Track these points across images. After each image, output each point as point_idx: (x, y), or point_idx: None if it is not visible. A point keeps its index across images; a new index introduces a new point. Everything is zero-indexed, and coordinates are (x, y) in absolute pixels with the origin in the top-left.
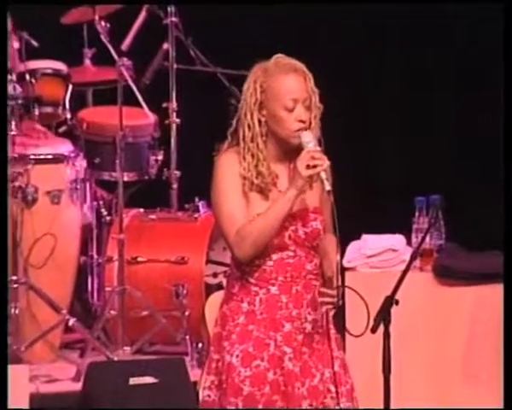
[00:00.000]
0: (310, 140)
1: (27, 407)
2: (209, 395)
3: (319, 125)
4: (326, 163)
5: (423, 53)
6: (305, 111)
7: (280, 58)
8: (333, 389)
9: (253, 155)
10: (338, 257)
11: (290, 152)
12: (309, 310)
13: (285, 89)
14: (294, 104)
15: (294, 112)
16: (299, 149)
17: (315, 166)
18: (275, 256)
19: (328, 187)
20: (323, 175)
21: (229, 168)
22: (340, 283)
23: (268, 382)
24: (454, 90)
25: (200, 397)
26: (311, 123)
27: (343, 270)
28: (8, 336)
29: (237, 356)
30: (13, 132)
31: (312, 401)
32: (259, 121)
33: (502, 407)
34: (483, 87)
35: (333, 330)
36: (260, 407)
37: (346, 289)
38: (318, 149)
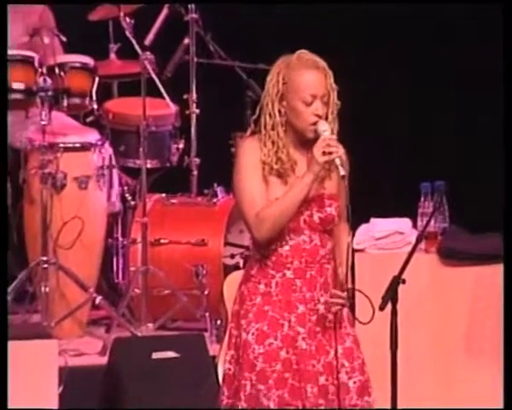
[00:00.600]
0: (326, 129)
1: (56, 379)
2: (229, 369)
3: (336, 120)
4: (341, 150)
5: (427, 46)
6: (322, 106)
7: (303, 53)
8: (346, 364)
9: (273, 142)
10: (349, 252)
11: (308, 141)
12: (321, 292)
13: (305, 84)
14: (313, 99)
15: (312, 106)
16: (316, 138)
17: (330, 153)
18: (291, 242)
19: (342, 172)
20: (338, 161)
21: (250, 154)
22: (349, 284)
23: (280, 360)
24: (455, 84)
25: (222, 370)
26: (327, 118)
27: (353, 252)
28: (7, 338)
29: (253, 334)
30: (43, 122)
31: (328, 376)
32: (280, 111)
33: (502, 405)
34: (484, 81)
35: (347, 309)
36: (271, 382)
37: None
38: (334, 137)
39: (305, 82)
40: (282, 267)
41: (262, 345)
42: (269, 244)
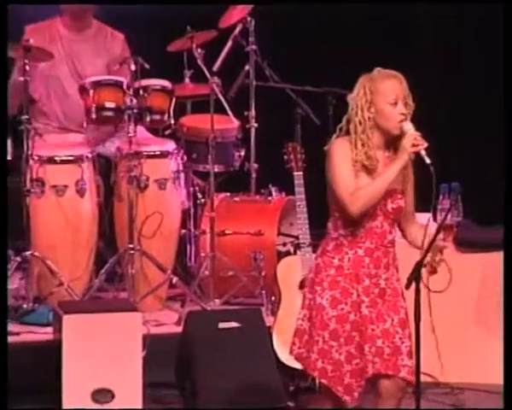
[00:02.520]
0: (411, 127)
1: (141, 345)
2: (301, 324)
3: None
4: (425, 144)
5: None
6: (404, 107)
7: (380, 69)
8: (400, 331)
9: (363, 144)
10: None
11: (388, 143)
12: (384, 271)
13: (389, 89)
14: (396, 101)
15: (397, 107)
16: (396, 140)
17: (417, 146)
18: (367, 225)
19: (428, 160)
20: (423, 152)
21: (342, 151)
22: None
23: (349, 321)
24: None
25: (295, 325)
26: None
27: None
28: (7, 339)
29: (327, 299)
30: (130, 134)
31: (385, 340)
32: (368, 117)
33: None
34: (488, 86)
35: (400, 286)
36: (342, 340)
37: None
38: (419, 133)
39: (389, 88)
40: (355, 246)
41: (335, 309)
42: (347, 224)
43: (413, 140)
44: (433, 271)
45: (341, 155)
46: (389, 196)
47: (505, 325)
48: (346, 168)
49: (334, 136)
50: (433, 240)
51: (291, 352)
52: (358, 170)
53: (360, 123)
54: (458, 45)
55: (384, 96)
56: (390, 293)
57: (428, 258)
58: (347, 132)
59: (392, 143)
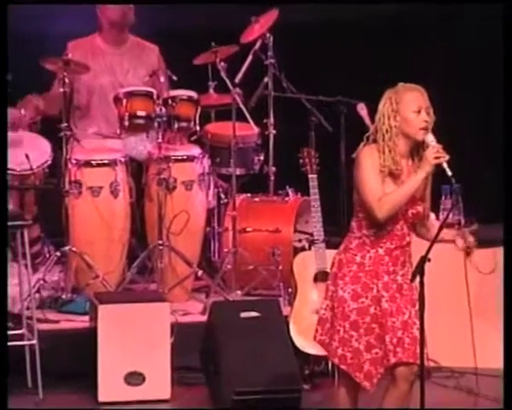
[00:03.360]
0: (433, 139)
1: (169, 332)
2: (324, 314)
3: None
4: (447, 157)
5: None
6: (426, 115)
7: (404, 84)
8: (417, 322)
9: (390, 150)
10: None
11: (412, 152)
12: (401, 267)
13: (413, 99)
14: (420, 109)
15: (420, 115)
16: (419, 148)
17: (439, 158)
18: (388, 228)
19: (449, 172)
20: (445, 164)
21: (369, 157)
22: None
23: (369, 314)
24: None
25: (318, 315)
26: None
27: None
28: (7, 340)
29: (348, 293)
30: (159, 140)
31: (405, 331)
32: (394, 126)
33: (500, 349)
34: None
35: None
36: (361, 330)
37: None
38: (441, 146)
39: (413, 98)
40: (377, 246)
41: (356, 302)
42: (370, 226)
43: (436, 152)
44: (470, 252)
45: (369, 162)
46: (410, 202)
47: (505, 320)
48: (373, 175)
49: (362, 144)
50: (436, 236)
51: (314, 338)
52: (385, 176)
53: (387, 131)
54: (456, 45)
55: (408, 105)
56: (407, 288)
57: (463, 243)
58: (374, 141)
59: (416, 152)
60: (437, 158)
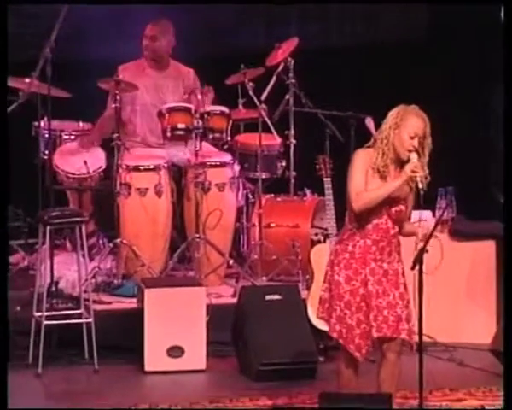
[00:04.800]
0: (415, 157)
1: (204, 312)
2: (323, 294)
3: (427, 157)
4: (422, 173)
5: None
6: (418, 143)
7: (415, 107)
8: (400, 302)
9: (383, 154)
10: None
11: (400, 162)
12: (387, 256)
13: (414, 125)
14: (414, 136)
15: (413, 140)
16: (403, 163)
17: (414, 172)
18: (374, 222)
19: (420, 185)
20: (418, 178)
21: (361, 158)
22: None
23: (359, 295)
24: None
25: (319, 295)
26: (418, 151)
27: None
28: (9, 341)
29: (342, 277)
30: (196, 149)
31: (389, 310)
32: (392, 136)
33: (493, 329)
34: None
35: (402, 265)
36: (353, 309)
37: None
38: (420, 164)
39: (414, 124)
40: (365, 237)
41: (348, 284)
42: (360, 221)
43: (413, 167)
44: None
45: (360, 162)
46: (394, 202)
47: (505, 315)
48: (359, 173)
49: (362, 149)
50: (433, 231)
51: (317, 316)
52: (375, 172)
53: (386, 137)
54: (451, 45)
55: (407, 127)
56: (392, 273)
57: (422, 235)
58: (369, 147)
59: (404, 163)
60: (413, 172)
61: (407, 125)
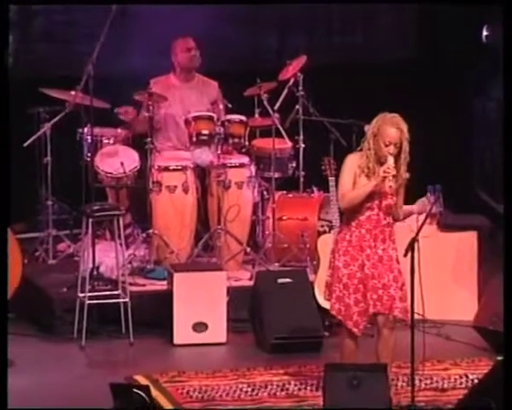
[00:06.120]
0: (390, 159)
1: (225, 293)
2: (328, 279)
3: (407, 158)
4: (392, 173)
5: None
6: (394, 149)
7: (395, 115)
8: (394, 284)
9: (367, 157)
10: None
11: (379, 164)
12: (381, 243)
13: (387, 134)
14: (390, 143)
15: (388, 148)
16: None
17: (386, 172)
18: (367, 213)
19: (389, 184)
20: (390, 178)
21: (350, 161)
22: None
23: (356, 277)
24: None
25: (324, 279)
26: (396, 156)
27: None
28: (8, 341)
29: (341, 262)
30: (218, 152)
31: (384, 291)
32: (372, 143)
33: (475, 308)
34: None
35: (396, 252)
36: (351, 290)
37: None
38: (392, 166)
39: (388, 133)
40: (360, 227)
41: (346, 269)
42: (354, 213)
43: (385, 169)
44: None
45: (349, 164)
46: (383, 196)
47: (505, 313)
48: (347, 174)
49: (353, 153)
50: (423, 223)
51: (324, 298)
52: (362, 172)
53: (368, 143)
54: (437, 61)
55: (382, 136)
56: (386, 258)
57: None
58: (361, 150)
59: (383, 164)
60: (384, 172)
61: (382, 134)
